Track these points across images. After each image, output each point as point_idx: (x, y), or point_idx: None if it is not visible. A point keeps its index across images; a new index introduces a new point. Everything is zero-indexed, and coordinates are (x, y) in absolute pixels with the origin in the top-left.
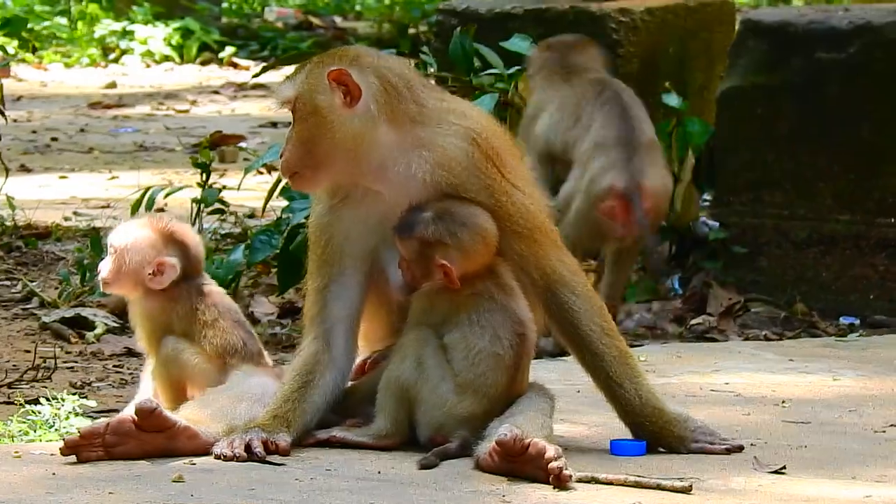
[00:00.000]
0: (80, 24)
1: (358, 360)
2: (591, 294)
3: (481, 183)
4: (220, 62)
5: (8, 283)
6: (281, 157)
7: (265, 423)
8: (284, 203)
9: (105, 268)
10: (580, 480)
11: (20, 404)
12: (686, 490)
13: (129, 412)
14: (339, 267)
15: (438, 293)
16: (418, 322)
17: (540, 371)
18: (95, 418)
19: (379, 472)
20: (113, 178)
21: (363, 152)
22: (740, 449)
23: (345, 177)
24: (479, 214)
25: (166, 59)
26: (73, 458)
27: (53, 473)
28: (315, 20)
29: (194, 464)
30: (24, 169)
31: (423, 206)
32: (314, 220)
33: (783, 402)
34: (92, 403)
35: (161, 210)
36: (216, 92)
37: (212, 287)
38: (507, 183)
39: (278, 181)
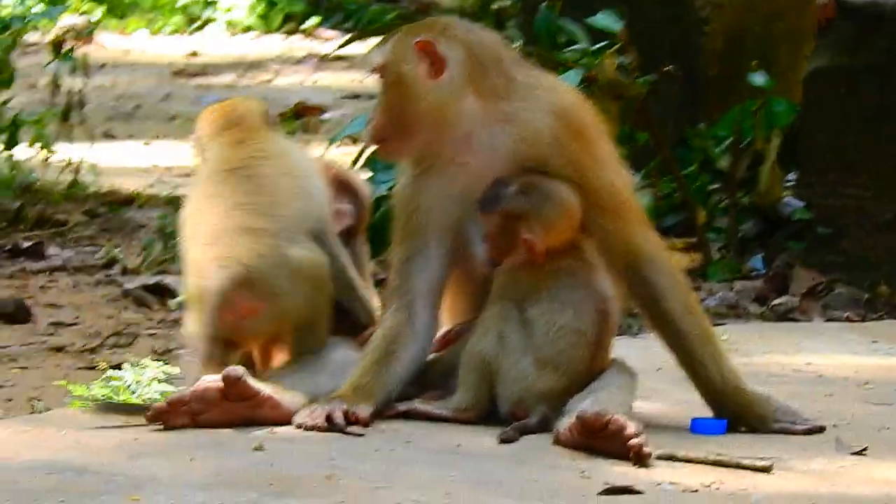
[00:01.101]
0: None
1: (440, 333)
2: (675, 271)
3: (566, 158)
4: (304, 33)
5: (91, 249)
6: (369, 124)
7: (346, 393)
8: (368, 174)
9: None
10: (660, 458)
11: (102, 370)
12: (767, 470)
13: (213, 380)
14: (422, 239)
15: (521, 268)
16: (501, 296)
17: (621, 348)
18: (177, 385)
19: (458, 445)
20: None
21: (447, 123)
22: (822, 430)
23: (429, 147)
24: (563, 189)
25: (250, 28)
26: (156, 424)
27: (135, 439)
28: None
29: (275, 433)
30: (108, 136)
31: (507, 179)
32: (399, 191)
33: (866, 383)
34: (174, 370)
35: None
36: (299, 62)
37: (356, 249)
38: (593, 159)
39: (362, 152)
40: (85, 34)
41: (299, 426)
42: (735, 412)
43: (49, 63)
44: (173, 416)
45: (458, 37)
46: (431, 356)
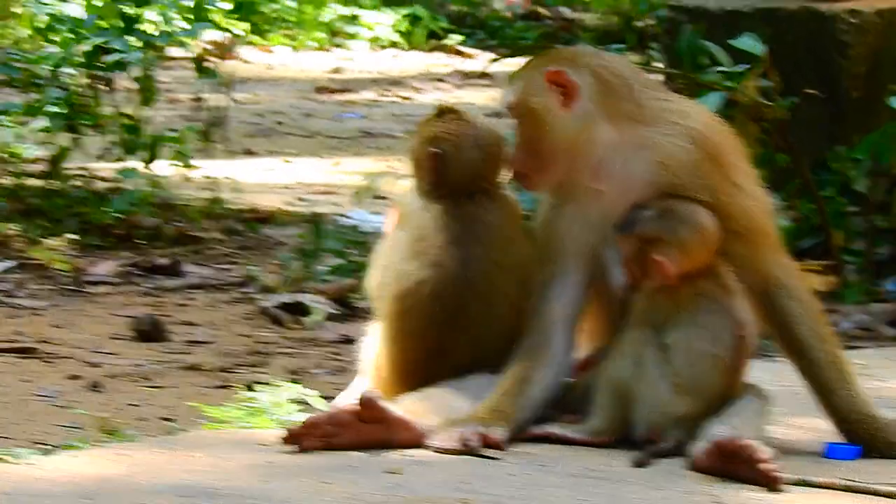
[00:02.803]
0: (307, 8)
1: (578, 358)
2: (809, 298)
3: (702, 183)
4: (447, 50)
5: (228, 266)
6: (510, 161)
7: (482, 416)
8: None
9: None
10: (793, 483)
11: (238, 390)
12: None
13: (347, 402)
14: (560, 264)
15: (659, 293)
16: (639, 321)
17: (756, 370)
18: (312, 407)
19: (593, 469)
20: (336, 163)
21: (583, 152)
22: None
23: (566, 176)
24: (700, 213)
25: (393, 45)
26: (289, 446)
27: (269, 462)
28: (543, 10)
29: (410, 456)
30: (249, 152)
31: (643, 204)
32: (538, 217)
33: None
34: (309, 391)
35: (382, 198)
36: (441, 80)
37: None
38: (730, 183)
39: None
40: (228, 50)
41: (434, 449)
42: (865, 439)
43: (192, 80)
44: (308, 438)
45: (588, 64)
46: (569, 380)
